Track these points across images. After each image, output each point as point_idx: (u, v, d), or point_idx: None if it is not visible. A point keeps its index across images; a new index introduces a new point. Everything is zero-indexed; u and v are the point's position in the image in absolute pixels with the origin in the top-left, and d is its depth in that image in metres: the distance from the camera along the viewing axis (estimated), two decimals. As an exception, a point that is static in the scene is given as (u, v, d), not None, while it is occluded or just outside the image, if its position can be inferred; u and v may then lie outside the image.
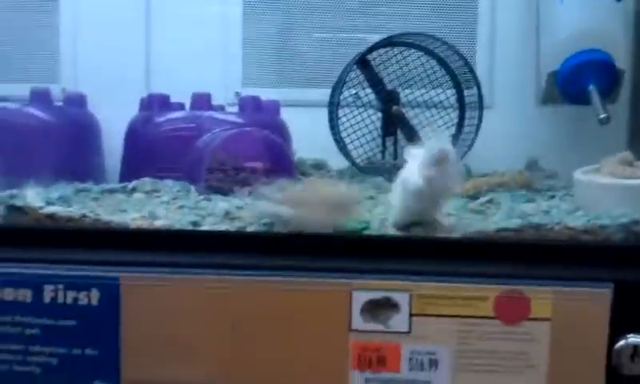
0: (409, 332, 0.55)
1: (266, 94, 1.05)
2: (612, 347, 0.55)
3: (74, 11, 1.18)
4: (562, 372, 0.55)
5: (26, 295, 0.58)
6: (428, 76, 1.08)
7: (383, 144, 1.08)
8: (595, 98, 0.94)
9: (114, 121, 1.06)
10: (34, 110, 0.93)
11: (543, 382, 0.55)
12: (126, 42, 1.17)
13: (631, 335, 0.55)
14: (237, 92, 1.17)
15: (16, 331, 0.58)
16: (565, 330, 0.54)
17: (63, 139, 0.94)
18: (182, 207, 0.73)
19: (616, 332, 0.55)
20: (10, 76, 1.16)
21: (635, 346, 0.54)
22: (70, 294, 0.58)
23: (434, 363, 0.55)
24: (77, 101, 1.02)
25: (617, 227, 0.61)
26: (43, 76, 1.17)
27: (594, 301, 0.54)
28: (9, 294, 0.58)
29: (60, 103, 1.02)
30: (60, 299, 0.58)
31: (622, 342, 0.55)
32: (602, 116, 0.92)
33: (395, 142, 1.07)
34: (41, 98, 0.97)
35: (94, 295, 0.58)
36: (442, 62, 1.08)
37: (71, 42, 1.19)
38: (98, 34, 1.17)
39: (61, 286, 0.58)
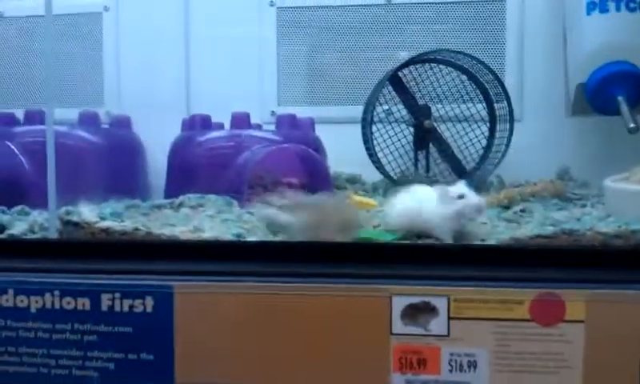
0: (447, 335, 0.57)
1: (300, 112, 1.09)
2: (646, 348, 0.56)
3: (116, 37, 1.23)
4: (597, 373, 0.56)
5: (84, 304, 0.62)
6: (458, 90, 1.10)
7: (415, 157, 1.10)
8: (624, 108, 0.95)
9: (157, 141, 1.10)
10: (82, 132, 0.97)
11: (579, 382, 0.56)
12: (166, 64, 1.22)
13: (665, 336, 0.55)
14: (272, 111, 1.20)
15: (75, 338, 0.61)
16: (599, 331, 0.55)
17: (111, 159, 0.98)
18: (226, 220, 0.76)
19: (650, 333, 0.56)
20: (58, 100, 1.21)
21: (670, 348, 0.55)
22: (126, 302, 0.61)
23: (472, 365, 0.56)
24: (122, 123, 1.06)
25: (647, 232, 0.62)
26: (89, 100, 1.22)
27: (627, 303, 0.55)
28: (69, 303, 0.62)
29: (106, 125, 1.06)
30: (117, 307, 0.61)
31: (656, 344, 0.55)
32: (632, 125, 0.93)
33: (427, 156, 1.09)
34: (89, 120, 1.01)
35: (149, 303, 0.61)
36: (471, 77, 1.10)
37: (114, 67, 1.24)
38: (140, 58, 1.22)
39: (117, 295, 0.61)
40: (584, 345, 0.56)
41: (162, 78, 1.22)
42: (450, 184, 0.71)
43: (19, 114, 1.03)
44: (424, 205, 0.69)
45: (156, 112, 1.17)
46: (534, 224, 0.70)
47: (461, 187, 0.68)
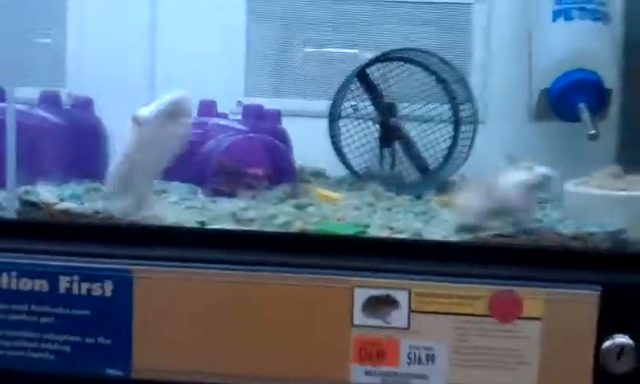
0: (407, 328, 0.57)
1: (267, 104, 1.08)
2: (600, 346, 0.57)
3: (80, 17, 1.21)
4: (552, 368, 0.57)
5: (42, 285, 0.60)
6: (425, 90, 1.11)
7: (381, 154, 1.10)
8: (585, 115, 0.98)
9: (120, 126, 1.08)
10: (43, 112, 0.95)
11: (534, 377, 0.57)
12: (131, 48, 1.20)
13: (618, 335, 0.57)
14: (239, 101, 1.20)
15: (32, 320, 0.60)
16: (555, 328, 0.57)
17: (71, 141, 0.96)
18: (190, 208, 0.76)
19: (603, 332, 0.57)
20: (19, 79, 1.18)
21: (621, 346, 0.57)
22: (85, 285, 0.60)
23: (430, 358, 0.57)
24: (84, 105, 1.04)
25: (604, 235, 0.64)
26: (50, 80, 1.20)
27: (582, 302, 0.57)
28: (26, 284, 0.60)
29: (68, 107, 1.04)
30: (75, 290, 0.60)
31: (608, 342, 0.57)
32: (592, 132, 0.95)
33: (393, 153, 1.10)
34: (50, 100, 0.99)
35: (108, 287, 0.60)
36: (437, 77, 1.11)
37: (78, 47, 1.22)
38: (104, 40, 1.19)
39: (76, 277, 0.60)
40: (540, 341, 0.57)
41: (128, 63, 1.20)
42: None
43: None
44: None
45: (120, 96, 1.15)
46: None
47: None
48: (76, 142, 0.96)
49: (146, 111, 0.67)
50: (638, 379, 0.57)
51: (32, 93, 1.01)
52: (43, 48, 1.22)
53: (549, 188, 0.69)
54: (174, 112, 0.67)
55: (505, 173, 0.67)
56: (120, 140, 1.07)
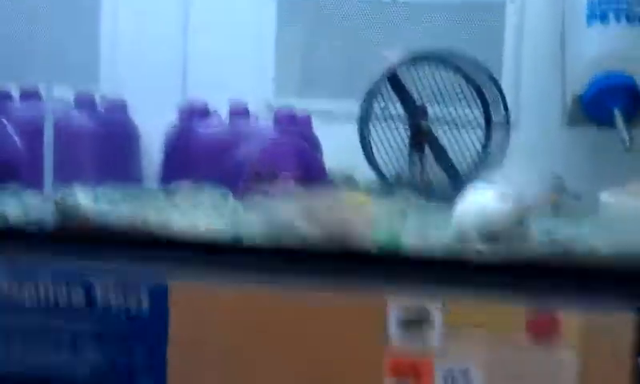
0: (442, 347, 0.57)
1: (296, 104, 1.08)
2: (636, 367, 0.56)
3: (114, 18, 1.22)
4: (590, 389, 0.56)
5: (78, 295, 0.61)
6: (456, 93, 1.10)
7: (411, 159, 1.09)
8: (620, 122, 0.96)
9: (151, 126, 1.09)
10: (80, 117, 0.96)
11: (571, 399, 0.56)
12: (162, 49, 1.20)
13: (655, 357, 0.56)
14: (268, 102, 1.20)
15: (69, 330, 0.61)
16: (592, 352, 0.56)
17: (106, 145, 0.97)
18: (222, 214, 0.76)
19: (640, 353, 0.56)
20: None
21: (659, 368, 0.56)
22: (121, 297, 0.61)
23: (465, 376, 0.57)
24: (118, 108, 1.05)
25: (641, 252, 0.63)
26: (84, 79, 1.21)
27: (619, 324, 0.56)
28: (62, 294, 0.61)
29: (102, 110, 1.05)
30: (112, 301, 0.61)
31: (646, 364, 0.56)
32: (626, 140, 0.93)
33: (423, 158, 1.09)
34: (85, 103, 1.00)
35: (144, 299, 0.60)
36: (469, 80, 1.09)
37: (111, 48, 1.23)
38: (136, 41, 1.20)
39: (111, 287, 0.61)
40: (577, 364, 0.56)
41: (160, 63, 1.20)
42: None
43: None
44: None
45: (151, 95, 1.16)
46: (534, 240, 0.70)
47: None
48: (111, 146, 0.97)
49: None
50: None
51: (66, 92, 1.02)
52: (77, 48, 1.22)
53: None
54: None
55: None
56: (150, 142, 1.10)
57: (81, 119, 0.96)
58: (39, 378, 0.60)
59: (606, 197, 0.77)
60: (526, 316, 0.56)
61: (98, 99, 1.06)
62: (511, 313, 0.56)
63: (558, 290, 0.59)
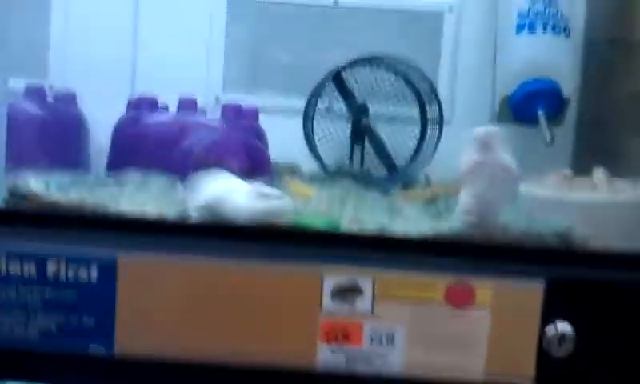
0: (371, 313, 0.62)
1: (244, 99, 1.12)
2: (543, 332, 0.63)
3: (64, 12, 1.23)
4: (500, 352, 0.63)
5: (30, 269, 0.64)
6: (395, 94, 1.17)
7: (351, 152, 1.15)
8: (542, 122, 1.04)
9: (99, 117, 1.11)
10: (30, 106, 0.98)
11: (484, 359, 0.63)
12: (112, 42, 1.23)
13: (559, 322, 0.63)
14: (217, 97, 1.24)
15: (20, 301, 0.64)
16: (503, 316, 0.62)
17: (56, 135, 0.99)
18: (171, 200, 0.80)
19: (546, 320, 0.63)
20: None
21: (562, 332, 0.63)
22: (71, 269, 0.64)
23: (390, 340, 0.62)
24: (68, 99, 1.07)
25: (551, 233, 0.70)
26: (33, 71, 1.22)
27: (528, 292, 0.63)
28: (14, 268, 0.64)
29: (51, 100, 1.07)
30: (62, 274, 0.64)
31: (551, 328, 0.63)
32: (548, 138, 1.02)
33: (362, 151, 1.15)
34: (35, 94, 1.02)
35: (93, 272, 0.64)
36: (407, 82, 1.16)
37: (61, 38, 1.24)
38: (86, 32, 1.22)
39: (63, 262, 0.64)
40: (490, 328, 0.63)
41: (109, 56, 1.23)
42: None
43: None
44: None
45: (100, 88, 1.18)
46: (453, 219, 0.77)
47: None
48: (60, 136, 1.00)
49: None
50: (576, 362, 0.63)
51: (15, 84, 1.04)
52: (27, 41, 1.24)
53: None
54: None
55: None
56: (98, 132, 1.12)
57: (31, 109, 0.98)
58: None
59: (523, 187, 0.84)
60: (445, 285, 0.62)
61: (47, 90, 1.08)
62: (432, 283, 0.62)
63: (474, 263, 0.65)
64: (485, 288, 0.63)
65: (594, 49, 1.18)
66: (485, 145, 0.70)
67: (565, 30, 1.11)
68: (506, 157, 0.70)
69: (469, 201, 0.70)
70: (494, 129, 0.71)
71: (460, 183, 0.72)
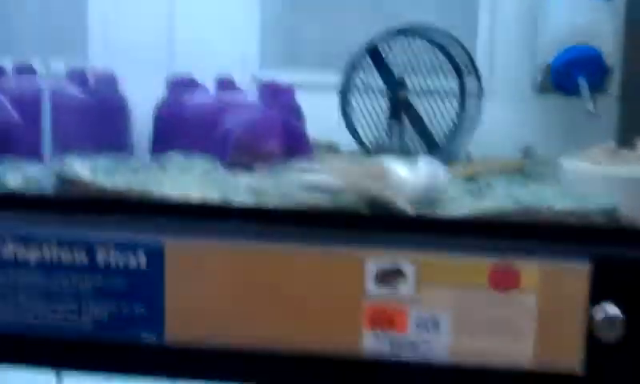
0: (415, 297, 0.62)
1: (281, 75, 1.12)
2: (592, 316, 0.62)
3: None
4: (547, 336, 0.62)
5: (81, 257, 0.65)
6: (433, 65, 1.15)
7: (390, 128, 1.14)
8: (585, 91, 1.01)
9: (140, 98, 1.12)
10: (72, 90, 0.99)
11: (530, 344, 0.62)
12: (150, 25, 1.23)
13: (607, 305, 0.62)
14: (254, 75, 1.23)
15: (72, 290, 0.65)
16: (550, 299, 0.62)
17: (99, 119, 1.01)
18: (213, 181, 0.80)
19: (594, 303, 0.62)
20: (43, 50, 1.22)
21: (611, 315, 0.61)
22: (120, 257, 0.65)
23: (436, 326, 0.62)
24: (109, 82, 1.08)
25: (598, 211, 0.68)
26: (73, 51, 1.23)
27: (574, 274, 0.62)
28: (66, 255, 0.65)
29: (93, 84, 1.08)
30: (112, 261, 0.65)
31: (599, 311, 0.62)
32: (590, 108, 0.99)
33: (401, 127, 1.14)
34: (77, 78, 1.03)
35: (142, 258, 0.65)
36: (445, 53, 1.14)
37: (100, 23, 1.25)
38: (124, 17, 1.23)
39: (112, 250, 0.65)
40: (537, 311, 0.62)
41: (146, 37, 1.23)
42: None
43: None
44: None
45: (140, 70, 1.19)
46: (496, 198, 0.76)
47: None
48: (103, 119, 1.01)
49: None
50: (625, 346, 0.62)
51: (57, 66, 1.05)
52: (67, 24, 1.25)
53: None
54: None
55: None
56: (140, 114, 1.14)
57: (73, 92, 0.99)
58: (44, 333, 0.64)
59: (565, 162, 0.83)
60: (489, 267, 0.61)
61: (89, 73, 1.09)
62: (475, 265, 0.61)
63: (518, 244, 0.64)
64: (530, 270, 0.62)
65: (636, 10, 1.14)
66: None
67: (606, -7, 1.07)
68: None
69: None
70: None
71: None
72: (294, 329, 0.63)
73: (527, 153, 1.09)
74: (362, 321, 0.62)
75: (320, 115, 1.10)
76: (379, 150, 1.09)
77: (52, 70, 1.05)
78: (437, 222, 0.67)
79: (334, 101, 1.12)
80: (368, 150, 1.09)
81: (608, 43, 1.06)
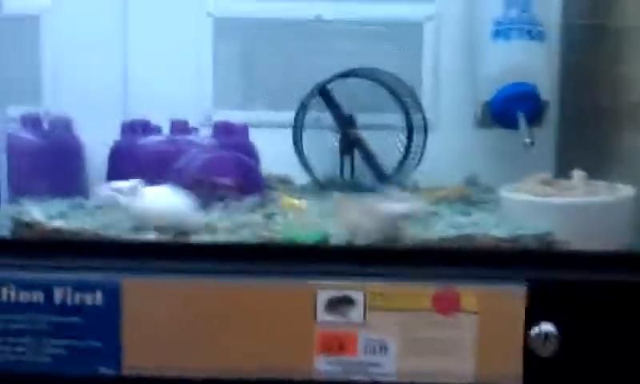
0: (364, 323, 0.65)
1: (234, 116, 1.15)
2: (528, 334, 0.66)
3: (54, 35, 1.25)
4: (488, 354, 0.66)
5: (39, 297, 0.67)
6: (380, 103, 1.20)
7: (341, 162, 1.18)
8: (522, 124, 1.07)
9: (94, 142, 1.14)
10: (28, 135, 1.01)
11: (472, 363, 0.65)
12: (104, 70, 1.25)
13: (543, 323, 0.66)
14: (209, 116, 1.26)
15: (30, 327, 0.66)
16: (489, 320, 0.65)
17: (54, 161, 1.02)
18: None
19: (531, 321, 0.66)
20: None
21: (546, 333, 0.66)
22: (77, 296, 0.67)
23: (383, 348, 0.65)
24: (63, 125, 1.09)
25: (532, 237, 0.73)
26: (27, 97, 1.24)
27: (512, 296, 0.66)
28: (24, 296, 0.67)
29: (48, 127, 1.09)
30: (68, 300, 0.66)
31: (535, 329, 0.66)
32: (527, 141, 1.05)
33: (352, 161, 1.18)
34: (32, 122, 1.04)
35: (98, 296, 0.66)
36: (392, 91, 1.19)
37: (52, 72, 1.26)
38: (77, 63, 1.24)
39: (69, 289, 0.67)
40: (477, 332, 0.65)
41: (100, 82, 1.24)
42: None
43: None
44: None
45: (91, 111, 1.20)
46: (441, 226, 0.80)
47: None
48: (58, 161, 1.02)
49: None
50: (561, 361, 0.66)
51: (13, 112, 1.06)
52: (20, 73, 1.25)
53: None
54: None
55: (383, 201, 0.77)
56: (95, 155, 1.15)
57: (28, 137, 1.00)
58: (4, 369, 0.65)
59: (503, 191, 0.88)
60: (432, 292, 0.65)
61: (43, 117, 1.10)
62: (419, 291, 0.65)
63: (459, 269, 0.68)
64: (470, 294, 0.65)
65: (571, 39, 1.21)
66: None
67: (540, 34, 1.14)
68: None
69: None
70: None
71: None
72: (248, 357, 0.65)
73: (471, 181, 1.14)
74: (314, 346, 0.65)
75: (275, 151, 1.14)
76: (331, 183, 1.13)
77: (9, 116, 1.06)
78: (383, 251, 0.71)
79: (288, 138, 1.15)
80: (320, 184, 1.12)
81: (543, 79, 1.13)
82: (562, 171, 0.97)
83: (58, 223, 0.75)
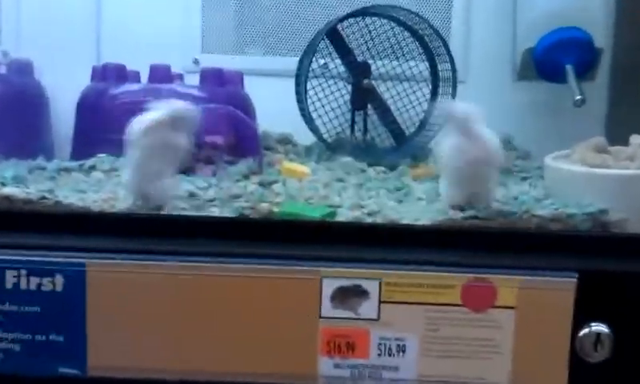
0: (378, 319, 0.62)
1: (226, 62, 1.11)
2: (576, 335, 0.62)
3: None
4: (527, 358, 0.62)
5: (-13, 281, 0.64)
6: (401, 48, 1.15)
7: (352, 119, 1.14)
8: (571, 78, 1.03)
9: (61, 91, 1.10)
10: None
11: (508, 368, 0.62)
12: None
13: (594, 324, 0.63)
14: (196, 59, 1.22)
15: (-23, 318, 0.64)
16: (530, 317, 0.62)
17: (9, 112, 0.98)
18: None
19: (580, 320, 0.63)
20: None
21: (598, 335, 0.62)
22: (34, 280, 0.63)
23: (402, 349, 0.62)
24: (23, 68, 1.05)
25: (584, 216, 0.69)
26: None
27: (558, 290, 0.62)
28: (-30, 279, 0.64)
29: (3, 71, 1.05)
30: (23, 285, 0.63)
31: (585, 331, 0.63)
32: (578, 98, 1.00)
33: (365, 118, 1.14)
34: (-15, 64, 1.00)
35: (59, 281, 0.63)
36: (414, 34, 1.14)
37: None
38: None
39: (23, 272, 0.63)
40: (514, 331, 0.62)
41: (68, 16, 1.21)
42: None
43: None
44: None
45: (59, 55, 1.16)
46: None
47: None
48: (14, 113, 0.98)
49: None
50: (613, 368, 0.63)
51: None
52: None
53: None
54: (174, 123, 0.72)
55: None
56: (61, 105, 1.11)
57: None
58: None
59: (549, 160, 0.83)
60: (462, 284, 0.61)
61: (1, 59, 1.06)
62: (446, 282, 0.61)
63: (495, 256, 0.64)
64: (507, 286, 0.62)
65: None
66: (465, 126, 0.72)
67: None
68: (488, 139, 0.72)
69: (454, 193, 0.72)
70: (472, 107, 0.74)
71: (440, 169, 0.74)
72: (237, 357, 0.62)
73: (506, 145, 1.10)
74: (317, 346, 0.62)
75: (274, 105, 1.10)
76: (340, 144, 1.09)
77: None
78: (401, 232, 0.67)
79: (289, 88, 1.12)
80: (327, 146, 1.09)
81: (597, 24, 1.08)
82: (615, 135, 0.92)
83: (9, 190, 0.71)
